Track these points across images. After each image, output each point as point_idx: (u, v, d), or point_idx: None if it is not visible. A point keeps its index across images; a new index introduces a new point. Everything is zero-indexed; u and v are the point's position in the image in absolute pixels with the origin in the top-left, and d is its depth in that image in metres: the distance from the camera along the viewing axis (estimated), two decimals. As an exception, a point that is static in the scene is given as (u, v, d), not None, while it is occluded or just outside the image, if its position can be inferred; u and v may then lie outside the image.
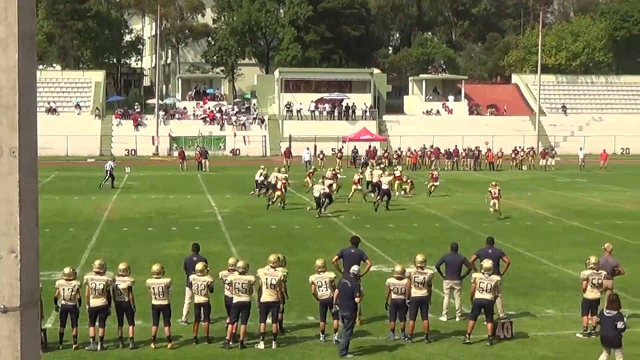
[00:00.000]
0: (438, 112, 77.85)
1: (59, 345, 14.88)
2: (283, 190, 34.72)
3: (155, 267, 15.49)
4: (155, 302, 15.17)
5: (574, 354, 14.95)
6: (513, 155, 58.38)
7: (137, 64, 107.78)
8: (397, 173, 39.23)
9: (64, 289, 14.97)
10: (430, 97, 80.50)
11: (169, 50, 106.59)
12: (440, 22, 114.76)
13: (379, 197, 34.74)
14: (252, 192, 38.66)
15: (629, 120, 77.34)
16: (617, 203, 37.27)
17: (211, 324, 15.54)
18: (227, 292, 15.54)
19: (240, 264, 15.53)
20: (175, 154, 61.62)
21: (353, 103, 74.37)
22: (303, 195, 38.07)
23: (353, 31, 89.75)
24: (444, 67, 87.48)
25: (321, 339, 15.44)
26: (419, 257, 16.02)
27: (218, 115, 73.47)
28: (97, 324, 14.96)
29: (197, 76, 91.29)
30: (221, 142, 69.73)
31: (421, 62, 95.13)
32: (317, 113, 74.52)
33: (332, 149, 61.93)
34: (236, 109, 76.63)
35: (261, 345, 15.03)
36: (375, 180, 36.53)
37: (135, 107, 75.90)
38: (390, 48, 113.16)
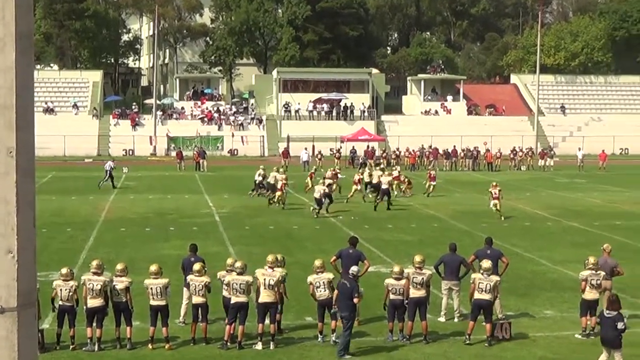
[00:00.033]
0: (436, 112, 77.85)
1: (56, 345, 14.83)
2: (283, 190, 34.72)
3: (153, 268, 15.45)
4: (153, 302, 15.13)
5: (572, 355, 14.92)
6: (512, 156, 58.37)
7: (134, 64, 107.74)
8: (395, 173, 39.21)
9: (61, 290, 14.93)
10: (429, 97, 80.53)
11: (167, 50, 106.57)
12: (438, 22, 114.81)
13: (378, 197, 34.78)
14: (250, 193, 38.61)
15: (628, 121, 77.40)
16: (616, 203, 37.26)
17: (209, 325, 15.51)
18: (225, 293, 15.50)
19: (238, 264, 15.49)
20: (173, 154, 61.56)
21: (351, 103, 74.37)
22: (302, 195, 38.02)
23: (351, 31, 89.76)
24: (443, 67, 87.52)
25: (319, 339, 15.40)
26: (418, 258, 15.99)
27: (216, 115, 73.43)
28: (94, 324, 14.90)
29: (195, 76, 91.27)
30: (219, 142, 69.70)
31: (420, 62, 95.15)
32: (315, 113, 74.53)
33: (331, 149, 61.93)
34: (234, 109, 76.61)
35: (259, 346, 14.99)
36: (375, 181, 36.51)
37: (133, 107, 75.85)
38: (388, 48, 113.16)
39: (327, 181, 33.87)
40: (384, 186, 34.51)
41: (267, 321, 15.10)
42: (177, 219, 31.66)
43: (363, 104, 74.82)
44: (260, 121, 73.50)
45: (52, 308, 15.30)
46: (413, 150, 58.84)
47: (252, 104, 80.00)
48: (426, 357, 14.72)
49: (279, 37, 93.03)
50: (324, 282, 15.42)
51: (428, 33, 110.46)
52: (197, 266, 15.64)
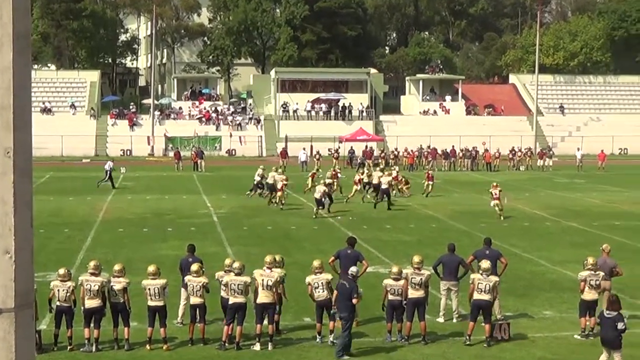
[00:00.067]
0: (435, 112, 77.86)
1: (53, 346, 14.80)
2: (284, 190, 34.73)
3: (151, 268, 15.42)
4: (151, 303, 15.10)
5: (572, 356, 14.90)
6: (510, 156, 58.38)
7: (132, 64, 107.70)
8: (394, 174, 39.21)
9: (58, 290, 14.90)
10: (427, 97, 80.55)
11: (165, 50, 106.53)
12: (437, 22, 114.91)
13: (378, 197, 34.83)
14: (248, 193, 38.59)
15: (627, 121, 77.45)
16: (615, 204, 37.26)
17: (207, 325, 15.48)
18: (223, 293, 15.47)
19: (236, 265, 15.46)
20: (171, 154, 61.57)
21: (350, 103, 74.39)
22: (300, 196, 37.99)
23: (350, 31, 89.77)
24: (441, 67, 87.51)
25: (318, 340, 15.37)
26: (416, 258, 15.96)
27: (214, 115, 73.42)
28: (92, 325, 14.87)
29: (193, 76, 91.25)
30: (217, 142, 69.68)
31: (418, 62, 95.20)
32: (313, 113, 74.53)
33: (329, 150, 61.90)
34: (232, 109, 76.59)
35: (257, 347, 14.96)
36: (375, 181, 36.52)
37: (131, 107, 75.84)
38: (387, 48, 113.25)
39: (327, 181, 33.91)
40: (384, 186, 34.54)
41: (265, 322, 15.07)
42: (175, 219, 31.63)
43: (361, 104, 74.83)
44: (258, 121, 73.49)
45: (49, 309, 15.27)
46: (411, 151, 58.85)
47: (250, 104, 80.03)
48: (425, 358, 14.69)
49: (277, 37, 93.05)
50: (322, 283, 15.39)
51: (426, 33, 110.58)
52: (194, 267, 15.61)
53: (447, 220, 31.77)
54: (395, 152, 58.77)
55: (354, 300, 14.84)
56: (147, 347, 14.96)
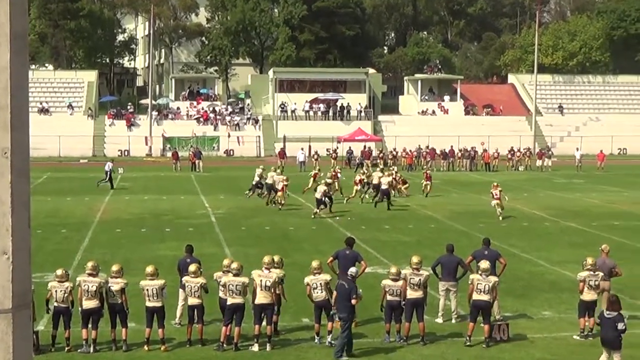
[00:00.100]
0: (434, 112, 77.89)
1: (51, 347, 14.77)
2: (285, 191, 34.72)
3: (150, 269, 15.38)
4: (149, 304, 15.06)
5: (571, 356, 14.88)
6: (509, 156, 58.39)
7: (130, 64, 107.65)
8: (392, 174, 39.22)
9: (56, 291, 14.86)
10: (426, 97, 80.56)
11: (162, 50, 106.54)
12: (435, 22, 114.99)
13: (378, 196, 34.87)
14: (246, 193, 38.57)
15: (626, 121, 77.50)
16: (614, 204, 37.25)
17: (205, 326, 15.45)
18: (221, 294, 15.44)
19: (234, 265, 15.42)
20: (169, 154, 61.53)
21: (348, 103, 74.39)
22: (298, 196, 37.97)
23: (348, 31, 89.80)
24: (440, 66, 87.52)
25: (316, 341, 15.34)
26: (415, 259, 15.94)
27: (212, 115, 73.40)
28: (89, 326, 14.84)
29: (191, 76, 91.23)
30: (215, 142, 69.66)
31: (417, 61, 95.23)
32: (311, 113, 74.53)
33: (327, 150, 61.91)
34: (230, 109, 76.60)
35: (255, 348, 14.94)
36: (375, 181, 36.53)
37: (128, 107, 75.80)
38: (385, 48, 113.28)
39: (328, 181, 33.96)
40: (384, 186, 34.55)
41: (263, 322, 15.04)
42: (172, 219, 31.60)
43: (360, 104, 74.83)
44: (257, 121, 73.47)
45: (46, 310, 15.24)
46: (410, 151, 58.85)
47: (248, 104, 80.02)
48: (424, 359, 14.67)
49: (275, 36, 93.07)
50: (321, 284, 15.36)
51: (425, 33, 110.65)
52: (192, 267, 15.57)
53: (446, 220, 31.76)
54: (394, 153, 58.76)
55: (353, 301, 14.81)
56: (145, 348, 14.93)
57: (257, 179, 38.05)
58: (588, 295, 15.80)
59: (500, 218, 31.45)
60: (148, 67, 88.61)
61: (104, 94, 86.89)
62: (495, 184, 33.08)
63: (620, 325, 13.14)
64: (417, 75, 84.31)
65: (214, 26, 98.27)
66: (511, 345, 15.39)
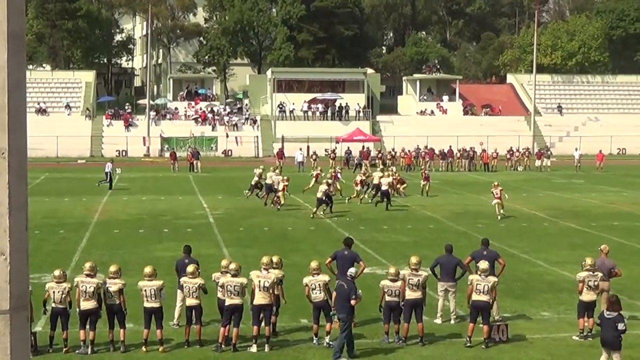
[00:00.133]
0: (432, 112, 77.92)
1: (49, 348, 14.73)
2: (285, 191, 34.72)
3: (148, 270, 15.35)
4: (147, 304, 15.03)
5: (570, 357, 14.85)
6: (508, 156, 58.40)
7: (128, 64, 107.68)
8: (392, 174, 39.25)
9: (54, 292, 14.82)
10: (425, 97, 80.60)
11: (160, 50, 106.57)
12: (434, 22, 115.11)
13: (378, 196, 34.90)
14: (245, 192, 38.54)
15: (626, 120, 77.58)
16: (613, 204, 37.25)
17: (203, 327, 15.42)
18: (219, 295, 15.41)
19: (233, 266, 15.39)
20: (167, 154, 61.51)
21: (346, 103, 74.41)
22: (297, 196, 37.95)
23: (346, 31, 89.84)
24: (438, 66, 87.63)
25: (314, 341, 15.31)
26: (413, 259, 15.91)
27: (210, 115, 73.38)
28: (87, 327, 14.80)
29: (189, 76, 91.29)
30: (213, 142, 69.66)
31: (415, 61, 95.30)
32: (310, 113, 74.53)
33: (325, 150, 61.91)
34: (228, 110, 76.58)
35: (254, 349, 14.90)
36: (375, 182, 36.53)
37: (126, 107, 75.79)
38: (384, 48, 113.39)
39: (328, 181, 33.99)
40: (384, 187, 34.57)
41: (262, 323, 15.01)
42: (170, 220, 31.56)
43: (358, 104, 74.85)
44: (255, 121, 73.47)
45: (43, 311, 15.20)
46: (409, 151, 58.84)
47: (247, 104, 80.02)
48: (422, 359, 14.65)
49: (274, 36, 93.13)
50: (319, 284, 15.33)
51: (424, 32, 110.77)
52: (190, 268, 15.54)
53: (445, 221, 31.74)
54: (392, 153, 58.76)
55: (353, 302, 14.78)
56: (143, 348, 14.89)
57: (256, 179, 38.02)
58: (587, 296, 15.78)
59: (500, 218, 31.45)
60: (146, 67, 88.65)
61: (101, 94, 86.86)
62: (495, 183, 33.15)
63: (621, 326, 13.12)
64: (416, 75, 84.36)
65: (212, 26, 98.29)
66: (510, 346, 15.37)
